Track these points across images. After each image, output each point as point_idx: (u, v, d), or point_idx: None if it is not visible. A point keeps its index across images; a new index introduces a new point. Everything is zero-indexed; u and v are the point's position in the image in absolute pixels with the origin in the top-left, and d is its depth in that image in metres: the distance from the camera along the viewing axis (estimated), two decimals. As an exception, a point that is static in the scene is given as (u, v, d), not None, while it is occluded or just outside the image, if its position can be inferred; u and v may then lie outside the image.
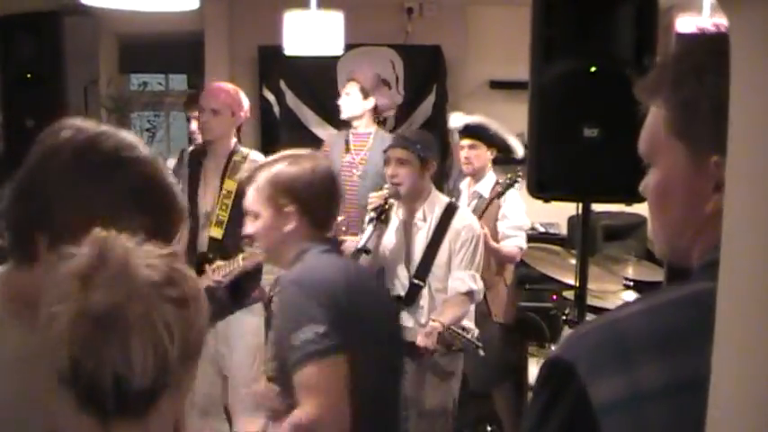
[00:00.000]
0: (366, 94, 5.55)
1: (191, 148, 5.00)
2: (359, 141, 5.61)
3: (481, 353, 4.15)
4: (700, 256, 1.25)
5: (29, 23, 4.28)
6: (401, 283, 4.39)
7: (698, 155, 1.23)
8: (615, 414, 1.13)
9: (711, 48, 1.20)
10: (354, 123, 5.58)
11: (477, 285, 4.32)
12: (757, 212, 0.75)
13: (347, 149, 5.61)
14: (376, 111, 5.68)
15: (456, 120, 5.30)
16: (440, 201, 4.42)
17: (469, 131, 5.20)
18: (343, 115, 5.63)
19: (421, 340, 4.09)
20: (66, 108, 4.17)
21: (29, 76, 4.24)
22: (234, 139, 4.80)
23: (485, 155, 5.20)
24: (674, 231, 1.32)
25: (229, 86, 4.85)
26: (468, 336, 4.15)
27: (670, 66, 1.28)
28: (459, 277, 4.29)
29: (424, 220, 4.35)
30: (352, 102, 5.55)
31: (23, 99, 4.25)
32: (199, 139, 5.21)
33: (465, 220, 4.41)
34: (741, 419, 0.78)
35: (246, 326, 4.75)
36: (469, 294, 4.30)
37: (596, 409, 1.14)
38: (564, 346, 1.28)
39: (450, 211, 4.38)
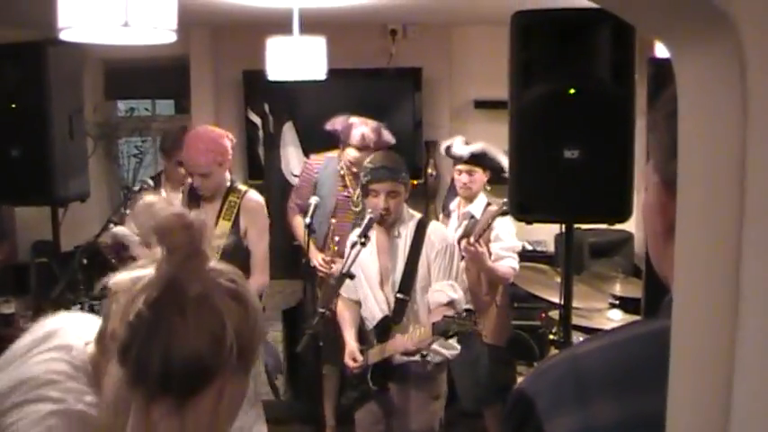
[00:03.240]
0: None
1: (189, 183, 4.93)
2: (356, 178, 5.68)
3: (479, 327, 4.16)
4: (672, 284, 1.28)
5: (13, 53, 4.29)
6: (381, 306, 4.43)
7: (653, 175, 1.25)
8: None
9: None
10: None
11: (457, 294, 4.39)
12: (705, 252, 0.77)
13: (343, 185, 5.69)
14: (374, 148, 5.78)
15: (459, 148, 5.34)
16: (411, 216, 4.51)
17: (473, 160, 5.27)
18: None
19: (407, 344, 4.14)
20: (50, 137, 4.19)
21: (13, 105, 4.24)
22: (228, 177, 4.78)
23: (482, 179, 5.31)
24: (651, 253, 1.34)
25: (207, 135, 4.70)
26: (460, 320, 4.15)
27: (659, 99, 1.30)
28: (438, 289, 4.36)
29: (399, 236, 4.41)
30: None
31: (8, 129, 4.26)
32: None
33: (438, 231, 4.52)
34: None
35: None
36: (450, 304, 4.35)
37: None
38: (528, 380, 1.30)
39: (422, 225, 4.47)
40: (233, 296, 1.45)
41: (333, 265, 5.44)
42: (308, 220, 5.29)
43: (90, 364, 1.95)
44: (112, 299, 1.44)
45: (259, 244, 4.75)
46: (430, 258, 4.37)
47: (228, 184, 4.77)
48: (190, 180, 4.88)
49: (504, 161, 5.28)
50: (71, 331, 2.04)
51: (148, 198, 1.66)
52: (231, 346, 1.41)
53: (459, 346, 4.49)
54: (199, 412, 1.44)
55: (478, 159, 5.29)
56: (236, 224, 4.68)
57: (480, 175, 5.32)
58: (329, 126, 5.65)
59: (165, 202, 1.55)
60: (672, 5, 0.79)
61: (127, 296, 1.40)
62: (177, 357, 1.38)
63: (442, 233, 4.52)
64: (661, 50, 4.93)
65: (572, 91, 3.26)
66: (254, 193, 4.83)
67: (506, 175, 5.27)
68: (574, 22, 3.31)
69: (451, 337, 4.15)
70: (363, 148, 5.37)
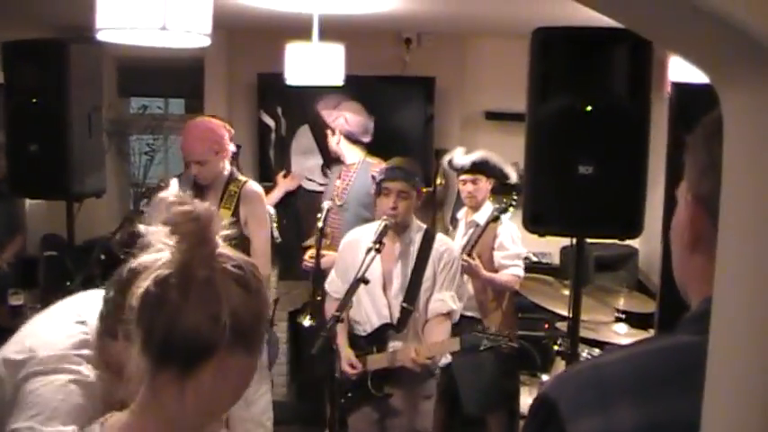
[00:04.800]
0: (333, 131, 5.87)
1: (182, 175, 5.02)
2: (346, 171, 5.93)
3: (514, 344, 4.26)
4: (693, 301, 1.33)
5: (35, 50, 4.34)
6: (380, 311, 4.47)
7: (687, 193, 1.31)
8: None
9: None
10: (342, 158, 5.89)
11: (457, 305, 4.45)
12: (746, 270, 0.82)
13: (339, 177, 6.03)
14: (351, 140, 5.93)
15: (460, 158, 5.41)
16: (419, 226, 4.54)
17: (474, 168, 5.32)
18: (332, 153, 6.03)
19: (413, 365, 4.19)
20: (69, 134, 4.24)
21: (34, 101, 4.29)
22: (228, 169, 4.84)
23: (486, 187, 5.36)
24: (675, 265, 1.40)
25: (203, 125, 4.81)
26: (492, 334, 4.22)
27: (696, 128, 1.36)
28: (440, 298, 4.41)
29: (409, 244, 4.45)
30: (329, 140, 6.03)
31: (28, 124, 4.31)
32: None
33: (444, 243, 4.55)
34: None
35: None
36: (449, 314, 4.42)
37: None
38: (551, 385, 1.36)
39: (429, 236, 4.51)
40: (237, 281, 1.59)
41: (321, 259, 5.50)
42: (320, 224, 5.36)
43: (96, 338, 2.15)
44: (135, 276, 1.59)
45: (259, 233, 4.82)
46: (437, 269, 4.42)
47: (228, 174, 4.83)
48: (181, 173, 4.99)
49: (508, 169, 5.35)
50: (88, 308, 2.22)
51: (162, 194, 1.84)
52: (225, 327, 1.53)
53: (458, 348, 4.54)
54: (198, 385, 1.57)
55: (480, 167, 5.35)
56: (235, 214, 4.74)
57: (484, 183, 5.38)
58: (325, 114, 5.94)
59: (176, 197, 1.71)
60: (714, 40, 0.84)
61: (144, 274, 1.56)
62: (177, 331, 1.54)
63: (449, 245, 4.56)
64: (678, 71, 4.99)
65: (588, 107, 3.30)
66: (253, 183, 4.91)
67: (511, 182, 5.37)
68: (592, 40, 3.35)
69: (482, 351, 4.21)
70: None
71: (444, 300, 4.40)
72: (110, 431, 1.64)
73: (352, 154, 6.05)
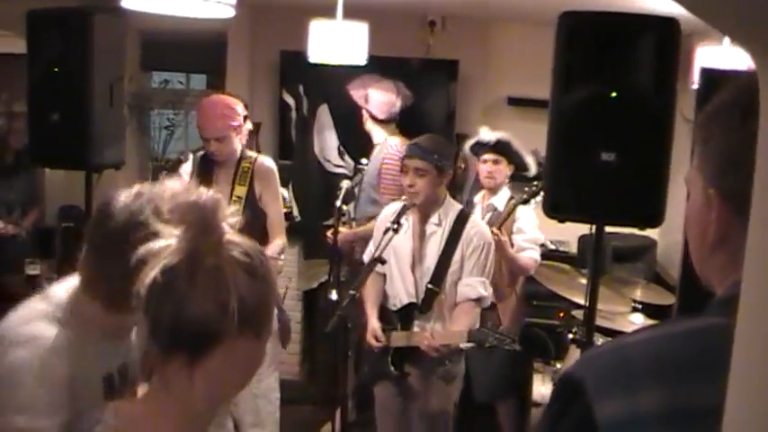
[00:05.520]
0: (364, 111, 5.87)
1: (200, 153, 5.03)
2: (372, 151, 5.87)
3: (516, 347, 4.20)
4: (718, 289, 1.30)
5: (57, 19, 4.31)
6: (408, 289, 4.45)
7: (706, 188, 1.28)
8: None
9: (732, 93, 1.25)
10: (372, 137, 5.86)
11: (487, 292, 4.41)
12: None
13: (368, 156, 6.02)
14: (372, 117, 5.91)
15: (486, 134, 5.38)
16: (453, 207, 4.50)
17: (497, 147, 5.30)
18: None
19: (429, 350, 4.18)
20: (91, 104, 4.23)
21: (56, 70, 4.27)
22: (239, 146, 4.86)
23: (505, 170, 5.34)
24: (694, 258, 1.37)
25: (222, 101, 4.83)
26: (498, 333, 4.19)
27: (708, 106, 1.33)
28: (469, 283, 4.37)
29: (439, 224, 4.42)
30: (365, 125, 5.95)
31: (49, 94, 4.29)
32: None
33: (477, 226, 4.50)
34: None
35: None
36: (479, 300, 4.39)
37: (600, 427, 1.20)
38: (576, 365, 1.35)
39: (463, 218, 4.47)
40: (244, 268, 1.60)
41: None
42: (338, 203, 5.34)
43: (69, 302, 2.12)
44: (142, 265, 1.57)
45: (274, 206, 4.93)
46: (465, 253, 4.39)
47: (239, 151, 4.86)
48: (199, 152, 5.04)
49: (528, 158, 5.33)
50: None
51: (169, 183, 1.85)
52: (233, 314, 1.54)
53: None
54: (208, 371, 1.59)
55: (504, 148, 5.32)
56: (251, 189, 4.81)
57: (504, 167, 5.35)
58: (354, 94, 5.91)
59: (183, 186, 1.78)
60: (761, 19, 0.81)
61: (152, 262, 1.55)
62: (185, 319, 1.55)
63: (482, 230, 4.52)
64: (704, 57, 4.94)
65: (613, 94, 3.26)
66: (264, 158, 4.99)
67: (527, 174, 5.35)
68: (619, 27, 3.31)
69: (488, 348, 4.19)
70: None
71: (473, 285, 4.39)
72: (122, 420, 1.65)
73: (377, 134, 6.02)
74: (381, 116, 6.04)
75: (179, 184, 2.00)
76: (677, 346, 1.26)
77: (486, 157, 5.40)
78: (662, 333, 1.34)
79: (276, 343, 4.94)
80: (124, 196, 2.02)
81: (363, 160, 6.01)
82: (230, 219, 1.67)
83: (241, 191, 4.76)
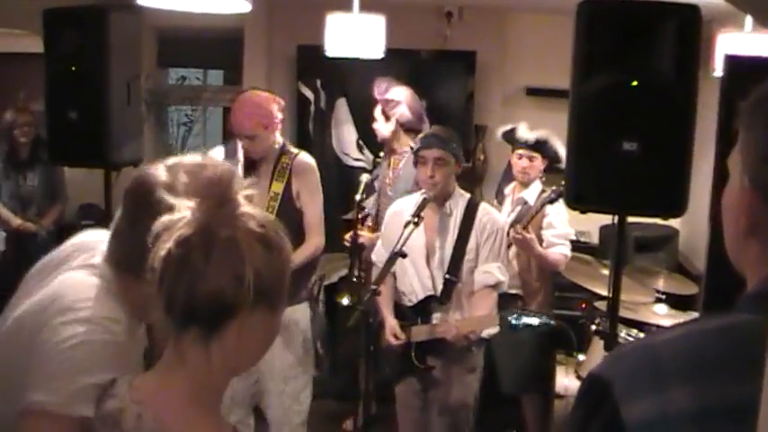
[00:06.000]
0: (386, 116, 5.68)
1: (220, 147, 5.02)
2: (396, 159, 5.77)
3: (552, 322, 4.18)
4: (750, 281, 1.28)
5: (74, 17, 4.32)
6: (424, 283, 4.44)
7: (743, 174, 1.26)
8: None
9: None
10: (392, 145, 5.72)
11: (504, 276, 4.42)
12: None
13: (389, 165, 5.81)
14: (404, 128, 5.79)
15: (524, 132, 5.35)
16: (462, 195, 4.52)
17: (536, 146, 5.28)
18: (378, 139, 5.80)
19: (457, 339, 4.18)
20: (108, 102, 4.23)
21: (73, 68, 4.27)
22: (280, 141, 4.79)
23: (539, 166, 5.34)
24: (728, 246, 1.35)
25: (252, 100, 4.74)
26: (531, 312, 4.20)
27: (755, 93, 1.30)
28: (486, 270, 4.38)
29: (450, 215, 4.43)
30: (378, 126, 5.75)
31: (67, 92, 4.29)
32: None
33: (489, 213, 4.52)
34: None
35: (293, 325, 4.76)
36: (496, 286, 4.40)
37: (628, 428, 1.17)
38: (603, 365, 1.32)
39: (473, 205, 4.48)
40: (260, 240, 1.59)
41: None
42: (358, 196, 5.32)
43: (114, 284, 2.05)
44: (157, 238, 1.57)
45: (312, 205, 4.78)
46: (480, 240, 4.38)
47: (279, 147, 4.79)
48: (220, 146, 5.03)
49: (563, 152, 5.29)
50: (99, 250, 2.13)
51: (185, 159, 1.82)
52: (249, 287, 1.54)
53: (497, 327, 4.50)
54: (223, 344, 1.59)
55: (541, 146, 5.30)
56: (288, 186, 4.72)
57: (539, 162, 5.34)
58: (379, 94, 5.74)
59: (199, 159, 1.78)
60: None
61: (165, 235, 1.55)
62: (200, 292, 1.54)
63: (493, 216, 4.52)
64: (726, 43, 4.89)
65: (634, 83, 3.23)
66: (305, 155, 4.85)
67: (562, 165, 5.31)
68: (639, 15, 3.27)
69: (520, 329, 4.19)
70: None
71: (491, 272, 4.38)
72: (137, 392, 1.65)
73: (404, 142, 5.91)
74: (418, 125, 5.93)
75: (196, 158, 1.97)
76: (708, 344, 1.23)
77: (521, 152, 5.37)
78: (692, 330, 1.31)
79: (308, 346, 4.90)
80: (150, 168, 1.99)
81: (381, 154, 5.95)
82: (246, 191, 1.66)
83: (278, 187, 4.68)
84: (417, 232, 4.32)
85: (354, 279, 5.26)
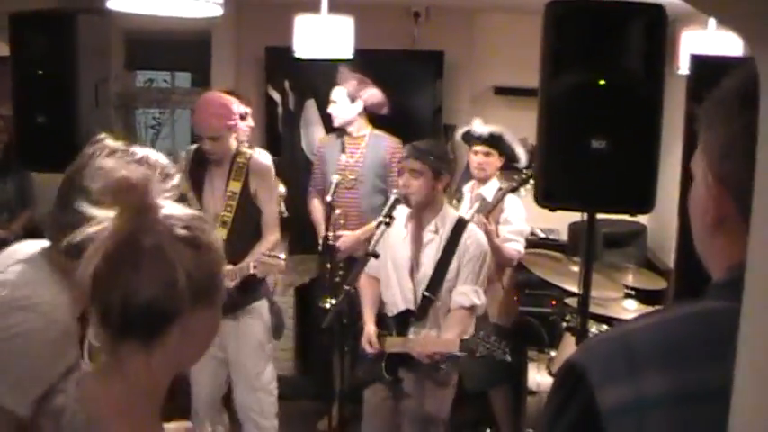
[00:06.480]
0: (353, 98, 5.71)
1: (194, 146, 5.03)
2: (353, 144, 5.81)
3: (508, 358, 4.19)
4: (717, 271, 1.31)
5: (42, 21, 4.29)
6: (406, 295, 4.45)
7: (706, 171, 1.29)
8: (620, 419, 1.20)
9: (736, 81, 1.25)
10: (348, 129, 5.77)
11: (480, 300, 4.40)
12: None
13: (342, 151, 5.79)
14: (367, 111, 5.84)
15: (479, 127, 5.39)
16: (450, 215, 4.49)
17: (490, 140, 5.31)
18: (336, 123, 5.83)
19: (421, 357, 4.20)
20: (77, 105, 4.21)
21: (40, 72, 4.24)
22: (235, 143, 4.84)
23: (496, 162, 5.38)
24: (696, 240, 1.38)
25: (215, 100, 4.80)
26: (491, 342, 4.18)
27: (713, 92, 1.33)
28: (462, 291, 4.37)
29: (436, 232, 4.41)
30: (340, 108, 5.74)
31: (35, 96, 4.27)
32: None
33: (474, 235, 4.48)
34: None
35: (253, 327, 4.82)
36: (472, 309, 4.38)
37: (603, 414, 1.21)
38: (578, 353, 1.36)
39: (460, 226, 4.45)
40: (186, 242, 1.58)
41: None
42: (328, 197, 5.35)
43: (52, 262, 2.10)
44: (83, 251, 1.56)
45: (269, 203, 4.88)
46: (462, 261, 4.39)
47: (234, 147, 4.83)
48: (194, 145, 5.03)
49: (519, 150, 5.34)
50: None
51: (101, 162, 1.83)
52: (183, 290, 1.54)
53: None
54: (165, 349, 1.58)
55: (496, 142, 5.34)
56: (245, 185, 4.77)
57: (495, 159, 5.39)
58: (346, 86, 5.79)
59: (113, 164, 1.79)
60: (758, 7, 0.81)
61: (90, 251, 1.53)
62: (134, 305, 1.53)
63: (478, 238, 4.50)
64: (690, 41, 4.94)
65: (602, 82, 3.26)
66: (260, 154, 4.93)
67: (518, 165, 5.36)
68: (606, 15, 3.30)
69: (478, 357, 4.19)
70: None
71: (467, 293, 4.38)
72: (79, 390, 1.64)
73: (362, 126, 5.96)
74: (379, 110, 5.97)
75: (110, 164, 1.98)
76: (680, 330, 1.26)
77: (477, 148, 5.42)
78: (664, 318, 1.35)
79: (270, 337, 4.96)
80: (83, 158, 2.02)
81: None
82: (166, 191, 1.66)
83: (236, 186, 4.75)
84: (403, 244, 4.35)
85: (337, 279, 5.27)
